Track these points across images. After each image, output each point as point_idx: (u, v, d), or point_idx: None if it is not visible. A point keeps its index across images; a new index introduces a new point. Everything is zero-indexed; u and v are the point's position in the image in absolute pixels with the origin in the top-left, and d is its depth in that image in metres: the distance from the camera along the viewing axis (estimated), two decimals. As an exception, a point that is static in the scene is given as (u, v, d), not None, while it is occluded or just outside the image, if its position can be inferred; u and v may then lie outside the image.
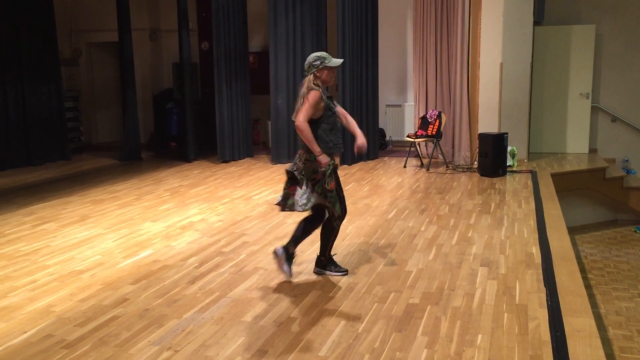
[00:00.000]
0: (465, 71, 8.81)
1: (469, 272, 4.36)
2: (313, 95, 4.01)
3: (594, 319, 3.48)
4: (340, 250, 4.92)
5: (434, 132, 8.63)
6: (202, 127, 10.68)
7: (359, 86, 9.18)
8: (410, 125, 10.24)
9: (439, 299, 3.87)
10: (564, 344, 3.18)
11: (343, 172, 8.33)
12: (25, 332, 3.52)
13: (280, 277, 4.33)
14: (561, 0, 9.80)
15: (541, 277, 4.20)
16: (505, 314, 3.59)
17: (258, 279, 4.33)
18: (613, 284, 6.91)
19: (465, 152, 8.93)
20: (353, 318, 3.60)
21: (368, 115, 9.39)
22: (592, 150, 9.82)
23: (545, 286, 4.02)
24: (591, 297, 6.36)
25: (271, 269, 4.51)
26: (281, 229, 5.64)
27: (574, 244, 8.01)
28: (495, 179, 7.83)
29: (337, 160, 4.34)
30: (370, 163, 9.31)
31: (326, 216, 4.27)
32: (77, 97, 11.52)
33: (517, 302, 3.77)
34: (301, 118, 3.97)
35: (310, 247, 5.01)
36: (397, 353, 3.15)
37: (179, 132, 10.77)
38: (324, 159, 4.01)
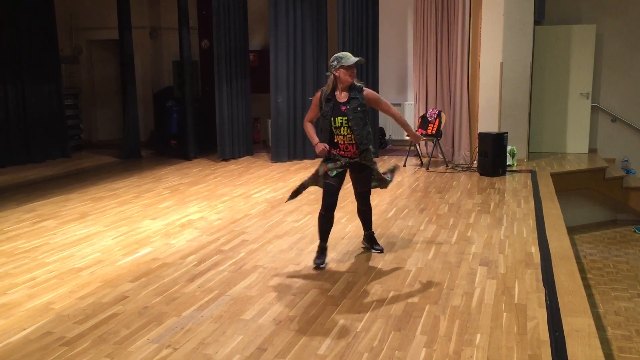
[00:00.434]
0: (466, 70, 8.81)
1: (468, 271, 4.36)
2: (314, 97, 4.47)
3: (593, 318, 3.48)
4: (339, 248, 4.93)
5: (433, 131, 8.63)
6: (202, 125, 10.68)
7: (359, 85, 9.16)
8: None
9: (438, 298, 3.87)
10: (563, 343, 3.18)
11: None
12: (25, 330, 3.52)
13: (280, 276, 4.34)
14: (562, 0, 9.80)
15: (540, 276, 4.21)
16: (504, 314, 3.59)
17: (257, 277, 4.34)
18: (612, 284, 6.91)
19: (465, 151, 8.93)
20: (352, 317, 3.61)
21: (368, 114, 9.36)
22: (592, 150, 9.82)
23: (544, 286, 4.02)
24: (590, 297, 6.36)
25: (270, 267, 4.52)
26: (281, 227, 5.64)
27: (574, 244, 8.01)
28: (494, 178, 7.84)
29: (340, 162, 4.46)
30: (370, 162, 9.30)
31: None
32: (78, 94, 11.51)
33: (516, 302, 3.77)
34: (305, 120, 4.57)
35: (309, 246, 5.02)
36: (396, 352, 3.15)
37: (179, 130, 10.77)
38: (317, 148, 4.38)
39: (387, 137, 10.65)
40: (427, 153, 9.14)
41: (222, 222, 5.91)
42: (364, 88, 4.46)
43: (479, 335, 3.32)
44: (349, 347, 3.21)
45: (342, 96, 4.38)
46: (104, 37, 11.62)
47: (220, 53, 9.38)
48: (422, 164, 8.93)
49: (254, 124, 10.80)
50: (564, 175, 8.24)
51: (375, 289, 4.04)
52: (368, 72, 9.31)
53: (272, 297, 3.95)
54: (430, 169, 8.58)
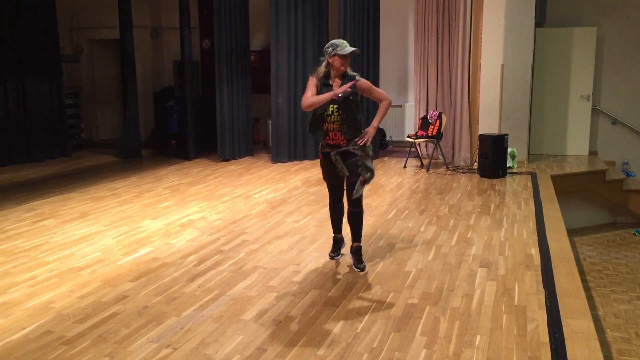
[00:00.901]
0: (466, 72, 8.81)
1: (468, 272, 4.37)
2: (309, 81, 4.38)
3: (592, 321, 3.49)
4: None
5: (434, 133, 8.63)
6: (202, 125, 10.68)
7: (360, 86, 9.17)
8: (410, 126, 10.25)
9: (438, 299, 3.87)
10: (563, 345, 3.18)
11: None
12: (25, 328, 3.52)
13: (280, 276, 4.34)
14: (563, 2, 9.81)
15: (540, 278, 4.21)
16: (504, 315, 3.60)
17: (257, 277, 4.34)
18: (612, 287, 6.92)
19: (466, 153, 8.94)
20: (352, 317, 3.61)
21: (368, 115, 9.37)
22: (592, 153, 9.83)
23: (544, 288, 4.02)
24: (590, 299, 6.36)
25: (270, 268, 4.52)
26: (281, 227, 5.65)
27: (573, 246, 8.02)
28: (495, 180, 7.84)
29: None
30: (371, 163, 9.30)
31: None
32: (78, 94, 11.51)
33: (516, 304, 3.77)
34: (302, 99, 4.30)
35: (309, 246, 5.02)
36: (396, 353, 3.15)
37: (180, 130, 10.77)
38: (335, 92, 4.24)
39: (388, 138, 10.66)
40: (428, 154, 9.14)
41: (222, 222, 5.91)
42: (358, 78, 4.37)
43: (478, 337, 3.32)
44: (349, 348, 3.22)
45: (335, 84, 4.35)
46: (105, 36, 11.63)
47: (221, 53, 9.38)
48: (422, 166, 8.94)
49: (255, 124, 10.81)
50: (564, 177, 8.25)
51: (375, 290, 4.04)
52: (369, 73, 9.31)
53: (272, 297, 3.95)
54: (431, 170, 8.58)
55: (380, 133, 10.34)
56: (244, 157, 9.91)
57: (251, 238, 5.33)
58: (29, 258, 4.86)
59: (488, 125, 8.67)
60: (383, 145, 10.49)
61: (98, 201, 6.89)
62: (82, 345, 3.29)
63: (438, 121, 8.65)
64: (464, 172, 8.43)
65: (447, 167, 8.74)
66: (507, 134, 8.16)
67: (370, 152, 4.39)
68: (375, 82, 9.46)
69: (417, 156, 9.31)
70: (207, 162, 9.53)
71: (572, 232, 7.65)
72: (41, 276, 4.42)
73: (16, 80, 9.68)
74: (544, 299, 3.82)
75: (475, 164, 8.48)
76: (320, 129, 4.40)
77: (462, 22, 8.73)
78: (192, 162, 9.64)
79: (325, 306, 3.79)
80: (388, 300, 3.87)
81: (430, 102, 9.26)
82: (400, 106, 10.51)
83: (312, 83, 4.35)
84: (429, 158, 8.94)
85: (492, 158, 7.91)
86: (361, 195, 4.39)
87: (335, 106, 4.29)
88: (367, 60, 9.28)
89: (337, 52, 4.25)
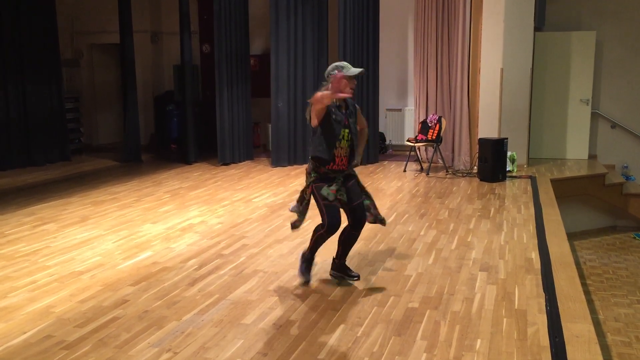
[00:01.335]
0: (466, 76, 8.83)
1: (468, 276, 4.37)
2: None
3: (592, 324, 3.49)
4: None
5: (434, 137, 8.64)
6: (202, 130, 10.69)
7: (360, 89, 9.18)
8: (410, 130, 10.25)
9: (438, 303, 3.87)
10: (563, 349, 3.18)
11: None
12: (25, 333, 3.52)
13: (280, 280, 4.34)
14: (562, 7, 9.84)
15: (540, 282, 4.21)
16: (505, 319, 3.60)
17: (257, 281, 4.34)
18: (612, 290, 6.92)
19: (465, 156, 8.94)
20: (352, 322, 3.61)
21: (368, 119, 9.39)
22: (592, 157, 9.84)
23: (544, 291, 4.03)
24: (590, 303, 6.36)
25: (271, 272, 4.52)
26: (281, 232, 5.65)
27: (573, 250, 8.02)
28: (494, 184, 7.84)
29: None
30: (370, 167, 9.33)
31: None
32: (78, 98, 11.51)
33: (516, 307, 3.77)
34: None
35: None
36: (396, 357, 3.15)
37: (180, 134, 10.78)
38: (339, 92, 3.91)
39: (388, 142, 10.67)
40: (427, 158, 9.15)
41: (222, 226, 5.91)
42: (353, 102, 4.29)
43: (479, 341, 3.32)
44: (349, 352, 3.22)
45: (342, 107, 4.21)
46: (105, 41, 11.65)
47: (221, 57, 9.40)
48: (422, 170, 8.94)
49: (254, 128, 10.82)
50: (564, 181, 8.25)
51: (376, 294, 4.05)
52: (368, 77, 9.33)
53: (272, 301, 3.95)
54: (431, 174, 8.59)
55: (380, 137, 10.35)
56: (244, 161, 9.92)
57: (251, 242, 5.33)
58: (29, 262, 4.86)
59: (488, 129, 8.68)
60: (383, 149, 10.50)
61: (98, 205, 6.89)
62: (82, 349, 3.29)
63: (438, 125, 8.66)
64: (463, 176, 8.44)
65: (447, 171, 8.75)
66: (507, 138, 8.17)
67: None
68: (375, 86, 9.49)
69: (417, 160, 9.31)
70: (207, 166, 9.54)
71: (572, 236, 7.66)
72: (41, 280, 4.42)
73: (16, 85, 9.68)
74: (544, 303, 3.82)
75: (475, 167, 8.48)
76: (327, 156, 4.10)
77: (462, 26, 8.75)
78: (192, 166, 9.65)
79: (325, 310, 3.79)
80: (388, 304, 3.87)
81: (429, 106, 9.27)
82: (399, 110, 10.53)
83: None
84: (428, 162, 8.95)
85: (491, 162, 7.92)
86: (365, 218, 4.28)
87: (347, 130, 4.13)
88: (366, 63, 9.28)
89: (344, 74, 4.01)
